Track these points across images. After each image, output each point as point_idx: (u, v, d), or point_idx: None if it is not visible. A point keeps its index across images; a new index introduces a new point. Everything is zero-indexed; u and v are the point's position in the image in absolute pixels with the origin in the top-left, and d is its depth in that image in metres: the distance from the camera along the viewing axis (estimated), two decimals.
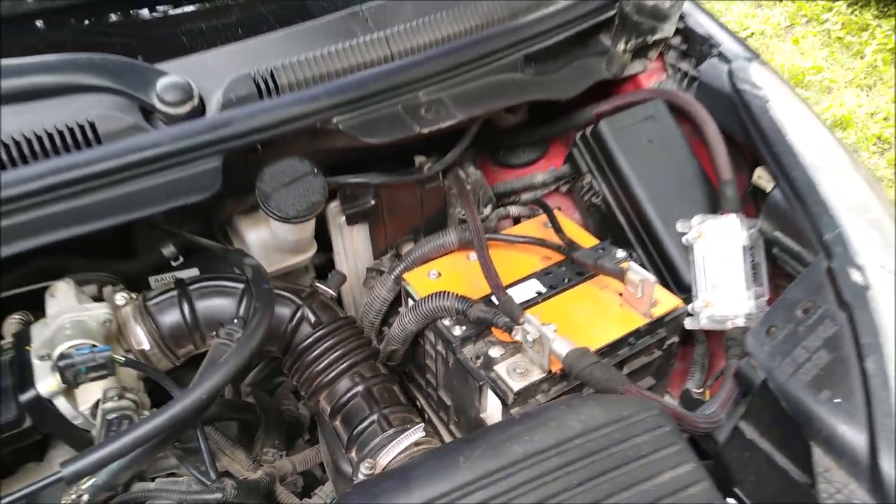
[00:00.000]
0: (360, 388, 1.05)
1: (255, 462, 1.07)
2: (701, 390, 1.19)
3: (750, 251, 1.14)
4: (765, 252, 1.16)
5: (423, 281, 1.19)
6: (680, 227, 1.20)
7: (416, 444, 0.98)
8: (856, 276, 0.94)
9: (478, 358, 1.04)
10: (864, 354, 0.88)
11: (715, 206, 1.21)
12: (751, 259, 1.14)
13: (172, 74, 0.98)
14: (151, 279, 1.18)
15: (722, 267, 1.14)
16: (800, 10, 4.37)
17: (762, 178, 1.18)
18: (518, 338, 1.01)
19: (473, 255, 1.20)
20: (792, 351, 0.95)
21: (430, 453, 0.85)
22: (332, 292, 1.18)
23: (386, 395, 1.06)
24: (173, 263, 1.18)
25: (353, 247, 1.29)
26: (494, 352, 1.04)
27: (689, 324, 1.13)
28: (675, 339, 1.14)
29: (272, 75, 1.02)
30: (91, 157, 0.88)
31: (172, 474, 0.98)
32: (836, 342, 0.91)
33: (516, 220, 1.40)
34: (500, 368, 1.01)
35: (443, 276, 1.19)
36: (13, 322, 1.02)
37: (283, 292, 1.09)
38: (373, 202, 1.24)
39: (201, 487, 0.90)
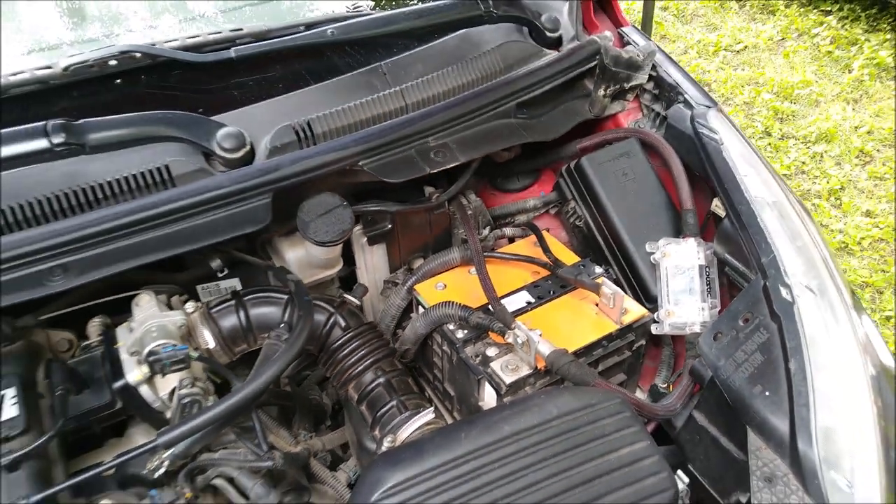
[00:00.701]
0: (381, 379, 1.19)
1: (294, 440, 1.25)
2: (666, 385, 1.34)
3: (706, 269, 1.29)
4: (719, 270, 1.31)
5: (431, 291, 1.33)
6: (648, 247, 1.36)
7: (428, 423, 1.12)
8: (784, 293, 1.09)
9: (477, 356, 1.18)
10: (789, 357, 1.03)
11: (678, 230, 1.37)
12: (706, 276, 1.29)
13: (229, 126, 1.16)
14: (199, 287, 1.34)
15: (682, 282, 1.29)
16: (792, 24, 4.42)
17: (718, 206, 1.35)
18: (510, 340, 1.16)
19: (474, 269, 1.32)
20: (734, 353, 1.10)
21: (438, 430, 1.01)
22: (357, 301, 1.33)
23: (402, 385, 1.21)
24: (219, 275, 1.33)
25: (372, 263, 1.44)
26: (491, 351, 1.18)
27: (654, 329, 1.29)
28: (643, 342, 1.29)
29: (309, 125, 1.20)
30: (170, 196, 1.07)
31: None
32: (768, 347, 1.06)
33: (511, 240, 1.53)
34: (496, 365, 1.14)
35: (448, 287, 1.34)
36: (96, 324, 1.20)
37: (319, 302, 1.25)
38: (389, 226, 1.38)
39: (255, 457, 1.04)
